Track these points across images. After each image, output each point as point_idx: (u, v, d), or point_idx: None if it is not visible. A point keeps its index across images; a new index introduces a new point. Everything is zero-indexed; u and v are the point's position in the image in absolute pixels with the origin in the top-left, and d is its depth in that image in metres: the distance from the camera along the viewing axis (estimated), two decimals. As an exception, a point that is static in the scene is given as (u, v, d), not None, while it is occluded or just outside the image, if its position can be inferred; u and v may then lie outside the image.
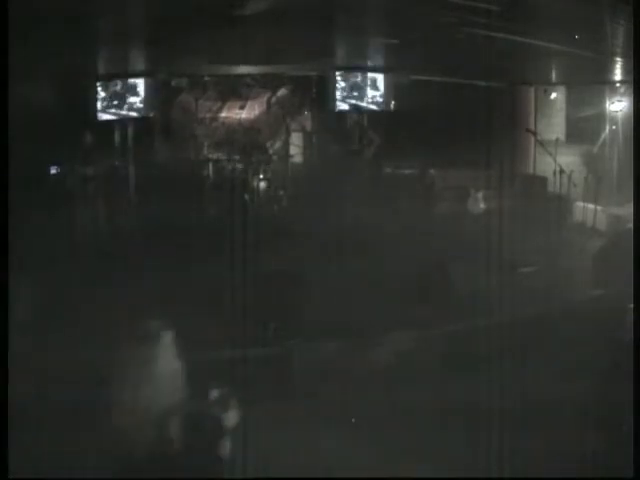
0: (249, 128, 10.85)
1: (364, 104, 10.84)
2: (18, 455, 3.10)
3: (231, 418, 2.45)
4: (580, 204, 9.45)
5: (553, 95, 10.65)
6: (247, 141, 10.62)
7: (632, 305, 4.05)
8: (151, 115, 10.39)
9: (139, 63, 9.57)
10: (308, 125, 11.21)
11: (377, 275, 6.46)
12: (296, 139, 11.06)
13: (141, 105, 10.23)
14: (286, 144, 10.96)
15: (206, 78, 10.72)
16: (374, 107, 10.92)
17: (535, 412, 4.27)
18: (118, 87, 10.08)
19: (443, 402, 4.52)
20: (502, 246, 5.97)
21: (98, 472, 2.67)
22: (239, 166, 10.35)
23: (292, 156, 10.83)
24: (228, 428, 2.45)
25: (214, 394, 2.45)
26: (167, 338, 3.48)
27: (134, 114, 10.22)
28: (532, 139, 9.54)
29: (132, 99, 10.18)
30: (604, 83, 9.81)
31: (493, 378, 4.45)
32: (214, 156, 10.52)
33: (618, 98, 9.66)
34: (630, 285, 3.93)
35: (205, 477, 2.61)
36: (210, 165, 10.33)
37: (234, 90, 10.86)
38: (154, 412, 2.31)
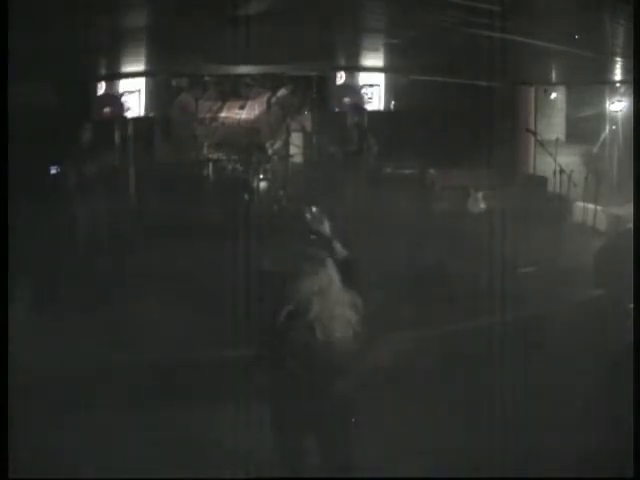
0: (249, 128, 10.85)
1: (364, 104, 10.84)
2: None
3: None
4: (580, 204, 9.46)
5: (553, 95, 10.65)
6: (247, 141, 10.62)
7: (632, 305, 4.05)
8: (151, 115, 10.38)
9: (139, 63, 9.56)
10: (308, 125, 11.21)
11: (377, 274, 6.46)
12: (296, 139, 11.06)
13: (141, 105, 10.22)
14: (286, 144, 10.96)
15: (206, 78, 10.72)
16: (374, 107, 10.92)
17: (535, 411, 4.27)
18: (118, 87, 10.07)
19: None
20: (503, 246, 5.97)
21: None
22: (239, 166, 10.36)
23: (292, 156, 10.83)
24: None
25: None
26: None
27: (134, 114, 10.21)
28: (532, 139, 9.54)
29: (132, 99, 10.18)
30: (604, 83, 9.81)
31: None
32: (214, 156, 10.52)
33: (618, 98, 9.66)
34: (630, 285, 3.93)
35: None
36: (210, 165, 10.33)
37: (234, 90, 10.86)
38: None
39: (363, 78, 10.87)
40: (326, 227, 3.53)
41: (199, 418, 4.53)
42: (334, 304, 3.28)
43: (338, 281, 3.32)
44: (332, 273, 3.32)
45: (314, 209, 3.60)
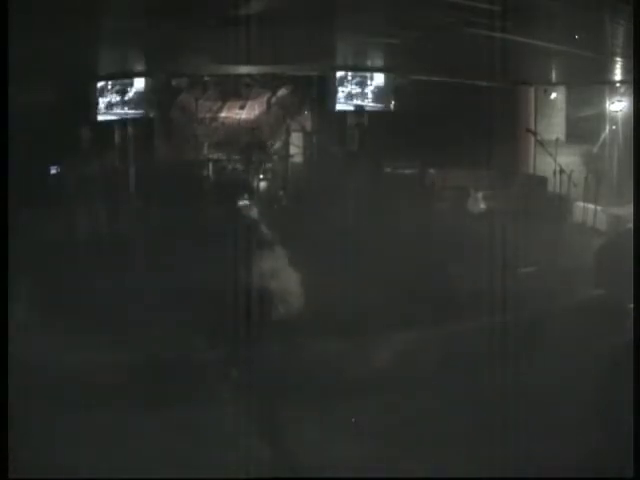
0: (249, 128, 10.85)
1: (364, 104, 10.84)
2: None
3: None
4: (580, 204, 9.45)
5: (553, 95, 10.65)
6: (247, 141, 10.62)
7: (632, 305, 4.05)
8: (151, 115, 10.39)
9: (139, 63, 9.56)
10: (308, 125, 11.21)
11: (377, 274, 6.47)
12: (296, 139, 11.06)
13: (141, 105, 10.22)
14: (286, 144, 10.97)
15: (206, 78, 10.72)
16: (374, 107, 10.92)
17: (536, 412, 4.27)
18: (118, 87, 10.08)
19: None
20: (503, 246, 5.97)
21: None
22: (239, 166, 10.36)
23: (292, 156, 10.84)
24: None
25: None
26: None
27: (134, 114, 10.21)
28: (532, 139, 9.54)
29: (132, 99, 10.18)
30: (604, 83, 9.81)
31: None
32: (214, 156, 10.52)
33: (618, 98, 9.66)
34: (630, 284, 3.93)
35: None
36: (210, 165, 10.33)
37: (234, 90, 10.85)
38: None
39: (363, 78, 10.87)
40: (254, 212, 4.37)
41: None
42: (287, 282, 3.83)
43: (287, 261, 3.73)
44: (281, 255, 3.75)
45: (245, 197, 4.44)
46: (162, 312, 5.65)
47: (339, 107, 10.87)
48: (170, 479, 3.96)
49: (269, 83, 10.92)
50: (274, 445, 4.03)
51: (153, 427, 4.30)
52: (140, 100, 10.20)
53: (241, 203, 4.21)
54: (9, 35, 3.84)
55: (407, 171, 10.27)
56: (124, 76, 10.02)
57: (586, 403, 4.25)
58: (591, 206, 9.18)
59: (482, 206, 9.46)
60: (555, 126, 10.43)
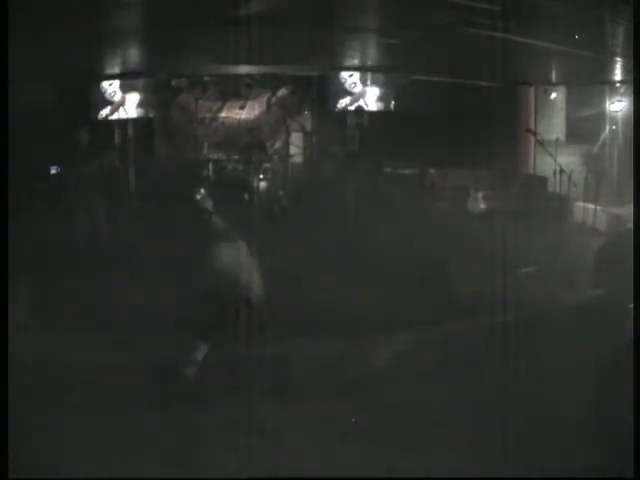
0: (249, 128, 10.85)
1: (364, 104, 10.84)
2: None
3: None
4: (580, 204, 9.46)
5: (553, 95, 10.66)
6: (247, 141, 10.63)
7: (632, 305, 4.05)
8: (151, 115, 10.39)
9: (139, 63, 9.56)
10: (308, 125, 11.22)
11: (376, 274, 6.48)
12: (296, 139, 11.07)
13: (141, 105, 10.23)
14: (286, 144, 10.97)
15: (206, 78, 10.72)
16: (374, 107, 10.92)
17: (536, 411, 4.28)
18: (118, 87, 10.08)
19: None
20: (503, 246, 5.98)
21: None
22: (239, 166, 10.36)
23: (292, 156, 10.84)
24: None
25: None
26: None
27: (134, 114, 10.22)
28: (532, 139, 9.54)
29: (132, 99, 10.18)
30: (604, 83, 9.81)
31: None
32: (214, 156, 10.53)
33: (618, 98, 9.67)
34: (630, 284, 3.93)
35: None
36: (210, 165, 10.34)
37: (234, 90, 10.86)
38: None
39: (363, 78, 10.87)
40: (209, 204, 4.61)
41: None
42: (252, 272, 4.12)
43: (248, 252, 4.11)
44: (243, 247, 4.12)
45: (202, 190, 4.74)
46: (161, 311, 5.66)
47: (339, 107, 10.89)
48: (170, 479, 3.96)
49: (269, 83, 10.93)
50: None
51: (146, 426, 4.32)
52: (140, 100, 10.21)
53: (197, 195, 4.44)
54: (9, 35, 3.84)
55: (407, 171, 10.28)
56: (124, 76, 10.02)
57: (585, 403, 4.25)
58: (591, 206, 9.18)
59: (482, 206, 9.47)
60: (555, 126, 10.44)
